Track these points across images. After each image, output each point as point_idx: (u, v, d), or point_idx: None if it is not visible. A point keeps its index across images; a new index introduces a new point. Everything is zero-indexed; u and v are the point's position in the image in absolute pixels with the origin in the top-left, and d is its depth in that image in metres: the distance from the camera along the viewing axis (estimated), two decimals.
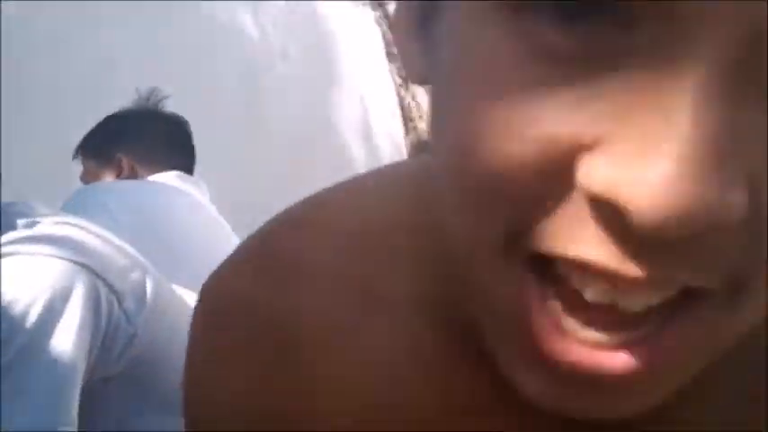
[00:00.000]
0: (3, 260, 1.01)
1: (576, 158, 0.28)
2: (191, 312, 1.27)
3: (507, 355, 0.33)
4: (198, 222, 1.61)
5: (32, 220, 1.08)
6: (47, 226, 1.08)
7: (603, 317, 0.29)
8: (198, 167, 1.86)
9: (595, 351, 0.29)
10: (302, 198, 0.50)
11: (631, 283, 0.28)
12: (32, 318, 0.98)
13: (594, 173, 0.27)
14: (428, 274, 0.41)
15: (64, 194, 1.57)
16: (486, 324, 0.34)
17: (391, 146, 3.56)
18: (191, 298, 1.31)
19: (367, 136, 3.42)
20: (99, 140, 1.73)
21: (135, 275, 1.11)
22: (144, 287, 1.11)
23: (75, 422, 0.99)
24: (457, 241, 0.33)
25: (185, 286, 1.34)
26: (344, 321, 0.44)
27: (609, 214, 0.27)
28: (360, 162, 3.16)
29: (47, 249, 1.03)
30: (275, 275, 0.46)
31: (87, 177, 1.75)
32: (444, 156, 0.32)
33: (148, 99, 1.82)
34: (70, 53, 2.35)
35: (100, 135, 1.73)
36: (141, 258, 1.16)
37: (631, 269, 0.28)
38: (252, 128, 2.98)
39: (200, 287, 1.42)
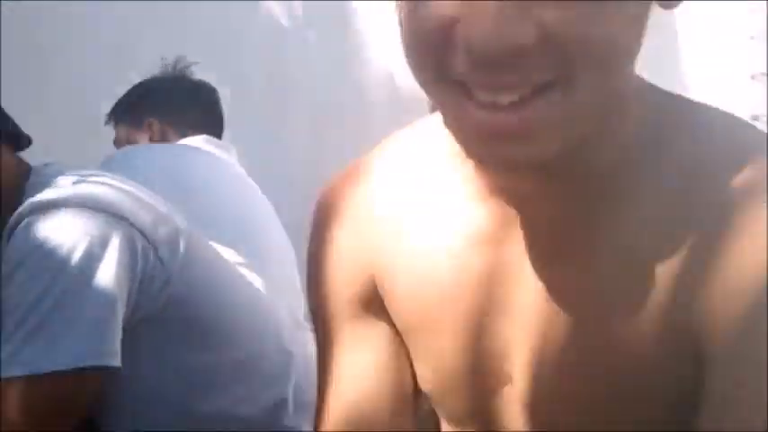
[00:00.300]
0: (45, 214, 1.08)
1: (453, 27, 0.54)
2: (223, 262, 1.33)
3: (465, 144, 0.59)
4: (229, 183, 1.67)
5: (71, 177, 1.15)
6: (84, 183, 1.15)
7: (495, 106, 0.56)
8: (224, 136, 1.92)
9: (497, 120, 0.55)
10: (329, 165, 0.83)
11: (497, 86, 0.55)
12: (74, 261, 1.05)
13: (458, 32, 0.54)
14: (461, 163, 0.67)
15: (93, 165, 1.63)
16: (455, 137, 0.60)
17: (418, 111, 3.59)
18: (223, 252, 1.38)
19: (393, 102, 3.46)
20: (130, 106, 1.80)
21: (168, 228, 1.18)
22: (177, 238, 1.18)
23: (118, 356, 1.07)
24: (421, 85, 0.60)
25: (219, 243, 1.40)
26: (404, 201, 0.73)
27: (472, 51, 0.53)
28: (386, 127, 3.18)
29: (86, 203, 1.11)
30: (357, 178, 0.77)
31: (119, 143, 1.82)
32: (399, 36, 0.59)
33: (175, 66, 1.88)
34: (94, 25, 2.41)
35: (131, 101, 1.80)
36: (173, 212, 1.23)
37: (493, 79, 0.54)
38: (276, 96, 3.03)
39: (232, 245, 1.57)
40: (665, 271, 0.61)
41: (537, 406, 0.68)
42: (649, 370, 0.62)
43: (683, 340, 0.60)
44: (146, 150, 1.68)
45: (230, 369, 1.21)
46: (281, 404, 1.25)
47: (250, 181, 1.75)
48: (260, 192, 1.73)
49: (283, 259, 1.57)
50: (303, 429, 1.25)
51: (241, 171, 1.78)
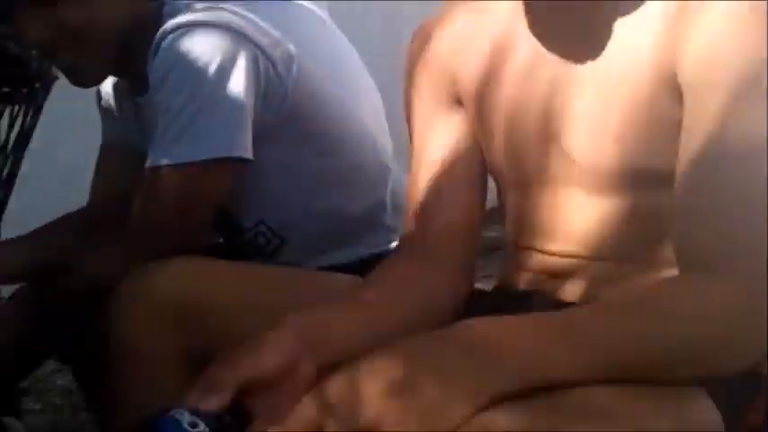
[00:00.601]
0: (183, 33, 1.28)
1: None
2: (328, 85, 1.51)
3: None
4: (327, 36, 1.83)
5: (203, 4, 1.34)
6: (214, 9, 1.34)
7: None
8: None
9: None
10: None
11: None
12: (210, 74, 1.25)
13: None
14: None
15: None
16: None
17: None
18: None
19: None
20: None
21: (282, 50, 1.36)
22: (291, 59, 1.37)
23: (251, 151, 1.28)
24: None
25: None
26: (476, 26, 1.03)
27: None
28: None
29: (217, 24, 1.30)
30: (440, 17, 1.07)
31: None
32: None
33: None
34: None
35: None
36: (285, 40, 1.41)
37: None
38: None
39: (335, 88, 1.76)
40: (656, 38, 0.85)
41: (578, 151, 0.92)
42: (650, 102, 0.86)
43: (669, 79, 0.83)
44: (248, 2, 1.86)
45: (337, 173, 1.42)
46: (380, 206, 1.46)
47: (344, 37, 1.91)
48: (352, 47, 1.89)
49: (378, 113, 1.74)
50: (399, 229, 1.46)
51: (334, 26, 1.94)
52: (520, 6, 0.95)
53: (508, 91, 0.98)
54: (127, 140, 1.51)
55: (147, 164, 1.28)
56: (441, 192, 1.03)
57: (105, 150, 1.57)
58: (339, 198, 1.42)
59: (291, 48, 1.39)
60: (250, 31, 1.32)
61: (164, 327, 1.11)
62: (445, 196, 1.03)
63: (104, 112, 1.57)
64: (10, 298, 1.46)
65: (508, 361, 0.70)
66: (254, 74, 1.29)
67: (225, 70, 1.26)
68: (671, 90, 0.83)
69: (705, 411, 0.78)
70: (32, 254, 1.40)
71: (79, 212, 1.53)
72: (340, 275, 1.26)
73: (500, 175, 1.04)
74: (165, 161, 1.26)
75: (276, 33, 1.39)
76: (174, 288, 1.13)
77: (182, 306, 1.11)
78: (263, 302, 1.12)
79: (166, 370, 1.12)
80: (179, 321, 1.11)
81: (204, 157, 1.25)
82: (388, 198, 1.47)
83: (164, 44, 1.28)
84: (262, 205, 1.39)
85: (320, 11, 1.95)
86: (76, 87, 1.42)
